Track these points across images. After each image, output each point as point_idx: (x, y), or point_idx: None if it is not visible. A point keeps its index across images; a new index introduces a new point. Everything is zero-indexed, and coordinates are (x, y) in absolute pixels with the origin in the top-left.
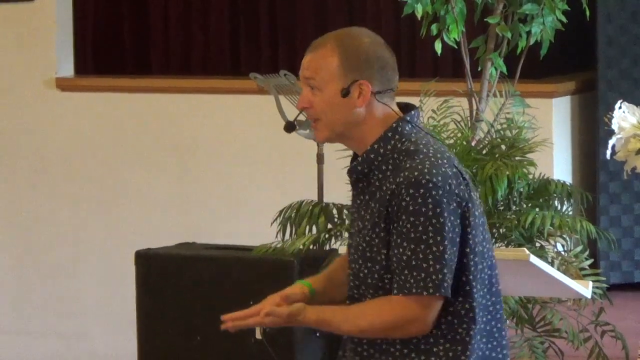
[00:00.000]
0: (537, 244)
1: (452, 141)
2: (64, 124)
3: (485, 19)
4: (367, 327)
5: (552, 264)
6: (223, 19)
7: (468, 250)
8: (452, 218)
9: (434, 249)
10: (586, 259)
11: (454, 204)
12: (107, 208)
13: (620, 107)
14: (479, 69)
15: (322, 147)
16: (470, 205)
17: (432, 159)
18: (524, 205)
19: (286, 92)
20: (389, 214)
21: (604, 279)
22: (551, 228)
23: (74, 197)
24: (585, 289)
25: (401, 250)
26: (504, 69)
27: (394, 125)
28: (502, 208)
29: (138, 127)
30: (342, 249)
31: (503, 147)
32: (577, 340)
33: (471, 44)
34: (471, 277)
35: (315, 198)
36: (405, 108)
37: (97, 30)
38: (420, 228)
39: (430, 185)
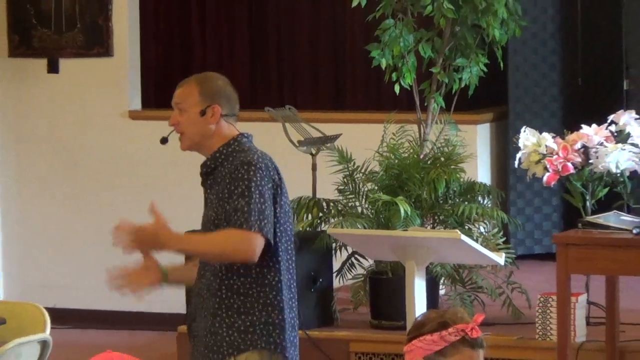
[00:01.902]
0: (466, 227)
1: (406, 155)
2: (135, 144)
3: (429, 69)
4: (209, 248)
5: (476, 241)
6: (245, 67)
7: (275, 220)
8: (267, 188)
9: (257, 203)
10: (500, 237)
11: (270, 183)
12: (164, 203)
13: (524, 131)
14: (426, 104)
15: (315, 159)
16: (280, 190)
17: (258, 154)
18: (457, 200)
19: (290, 120)
20: (229, 187)
21: (513, 251)
22: (476, 216)
23: (140, 196)
24: (500, 258)
25: (234, 204)
26: (443, 104)
27: (236, 137)
28: (441, 202)
29: None
30: (330, 230)
31: (442, 159)
32: (494, 294)
33: (420, 87)
34: (277, 239)
35: (310, 195)
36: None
37: (158, 75)
38: (249, 188)
39: (255, 165)
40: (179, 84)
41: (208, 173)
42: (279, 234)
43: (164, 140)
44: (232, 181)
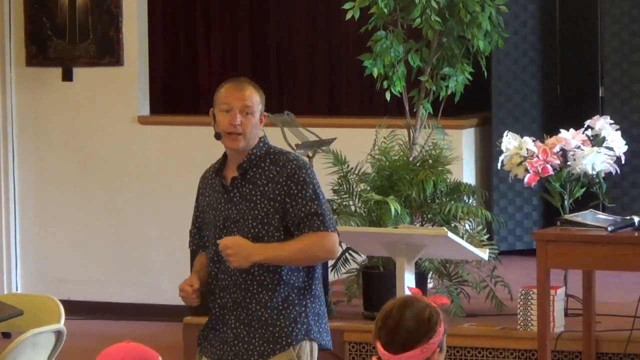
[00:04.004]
0: (453, 225)
1: (397, 157)
2: (144, 147)
3: (418, 77)
4: (299, 254)
5: (462, 237)
6: (247, 76)
7: None
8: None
9: (324, 203)
10: (484, 234)
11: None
12: (172, 203)
13: (506, 136)
14: (415, 110)
15: (312, 161)
16: None
17: (296, 154)
18: (444, 199)
19: (288, 125)
20: (288, 189)
21: (496, 247)
22: (462, 214)
23: (148, 196)
24: (484, 254)
25: (306, 208)
26: (431, 110)
27: (262, 139)
28: (429, 201)
29: (191, 149)
30: None
31: (430, 161)
32: (478, 287)
33: (409, 94)
34: None
35: None
36: None
37: (166, 83)
38: (315, 192)
39: (309, 167)
40: (236, 86)
41: (236, 178)
42: None
43: (218, 136)
44: (292, 185)
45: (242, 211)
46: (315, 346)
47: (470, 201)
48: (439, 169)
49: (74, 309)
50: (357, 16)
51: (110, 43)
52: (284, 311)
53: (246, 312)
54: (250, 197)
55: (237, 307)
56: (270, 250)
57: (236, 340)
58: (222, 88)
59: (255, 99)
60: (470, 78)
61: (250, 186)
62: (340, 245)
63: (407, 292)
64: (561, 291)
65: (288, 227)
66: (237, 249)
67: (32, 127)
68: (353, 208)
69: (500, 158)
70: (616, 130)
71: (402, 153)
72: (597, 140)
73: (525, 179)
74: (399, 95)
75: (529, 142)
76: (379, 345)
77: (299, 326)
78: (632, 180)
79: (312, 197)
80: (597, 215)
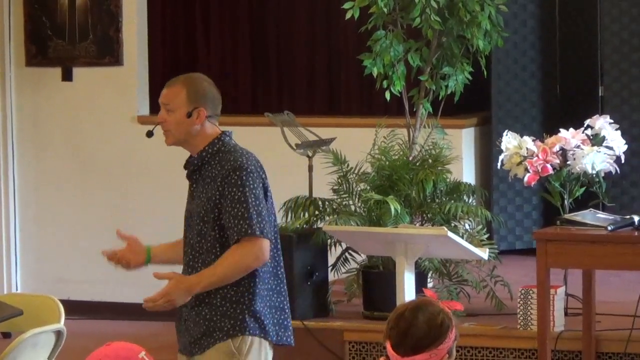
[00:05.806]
0: (452, 224)
1: (397, 157)
2: (144, 147)
3: (418, 77)
4: (228, 271)
5: (462, 237)
6: (247, 75)
7: (265, 213)
8: (259, 190)
9: (254, 206)
10: (484, 234)
11: (260, 183)
12: (172, 203)
13: (506, 135)
14: (414, 109)
15: (312, 160)
16: (267, 187)
17: (245, 156)
18: (444, 199)
19: (288, 125)
20: (222, 190)
21: (495, 246)
22: (461, 213)
23: (149, 196)
24: (483, 253)
25: (234, 211)
26: (431, 110)
27: (219, 136)
28: (429, 201)
29: None
30: (325, 227)
31: (430, 160)
32: (478, 287)
33: (409, 93)
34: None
35: (307, 194)
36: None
37: (165, 82)
38: (245, 193)
39: (246, 169)
40: (167, 83)
41: (194, 170)
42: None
43: (149, 134)
44: (226, 186)
45: (193, 208)
46: (255, 341)
47: (470, 200)
48: (439, 168)
49: (74, 309)
50: (356, 16)
51: (110, 43)
52: (221, 307)
53: (190, 307)
54: (197, 194)
55: (187, 302)
56: (204, 279)
57: (186, 332)
58: None
59: (173, 94)
60: (470, 77)
61: (201, 183)
62: (340, 244)
63: (407, 292)
64: (561, 290)
65: (223, 226)
66: (171, 295)
67: (32, 127)
68: (353, 208)
69: (500, 157)
70: (616, 129)
71: (401, 153)
72: (596, 140)
73: (525, 179)
74: (398, 95)
75: (528, 142)
76: (388, 346)
77: (232, 322)
78: (632, 179)
79: (241, 200)
80: (597, 215)
